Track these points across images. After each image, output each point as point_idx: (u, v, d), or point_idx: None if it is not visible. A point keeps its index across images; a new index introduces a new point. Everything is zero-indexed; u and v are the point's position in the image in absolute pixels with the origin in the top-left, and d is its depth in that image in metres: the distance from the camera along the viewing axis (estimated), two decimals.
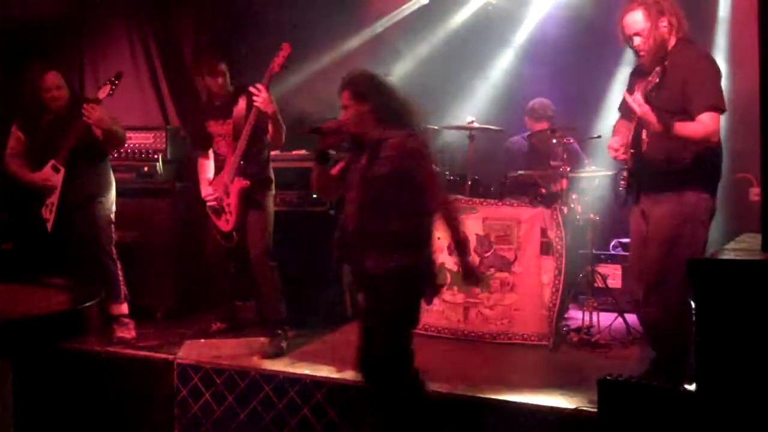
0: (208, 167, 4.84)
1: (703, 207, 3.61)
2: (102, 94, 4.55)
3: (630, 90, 3.87)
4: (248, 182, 4.57)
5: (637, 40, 3.67)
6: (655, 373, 3.56)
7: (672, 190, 3.60)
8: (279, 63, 4.44)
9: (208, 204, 4.72)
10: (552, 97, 5.83)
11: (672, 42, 3.66)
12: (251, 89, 4.42)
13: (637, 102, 3.46)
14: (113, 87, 4.56)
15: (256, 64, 5.20)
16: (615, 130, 3.98)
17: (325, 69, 5.88)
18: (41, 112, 4.68)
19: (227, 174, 4.61)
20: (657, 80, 3.48)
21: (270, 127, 4.51)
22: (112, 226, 4.76)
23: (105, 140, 4.63)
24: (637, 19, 3.65)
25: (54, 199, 4.58)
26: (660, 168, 3.63)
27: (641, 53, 3.70)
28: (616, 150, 3.78)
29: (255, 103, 4.42)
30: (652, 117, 3.45)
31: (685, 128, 3.48)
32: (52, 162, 4.57)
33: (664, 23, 3.63)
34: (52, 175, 4.57)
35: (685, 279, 3.40)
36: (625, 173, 3.82)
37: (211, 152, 4.85)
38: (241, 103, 4.64)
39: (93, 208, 4.66)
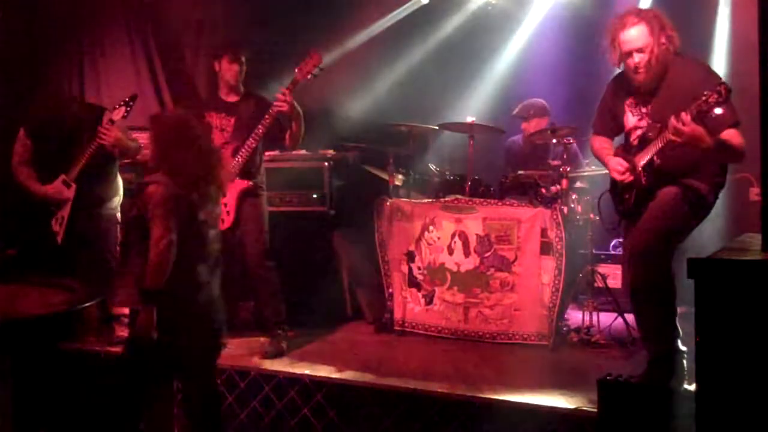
0: None
1: (706, 204, 3.60)
2: (117, 116, 4.53)
3: (619, 103, 3.78)
4: (252, 183, 4.56)
5: (637, 57, 3.51)
6: (654, 372, 3.55)
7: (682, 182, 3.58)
8: (307, 71, 4.40)
9: None
10: (551, 96, 5.82)
11: (669, 57, 3.53)
12: (278, 95, 4.41)
13: (688, 123, 3.25)
14: (128, 109, 4.55)
15: (259, 63, 5.20)
16: (598, 149, 3.89)
17: (325, 69, 5.88)
18: (51, 123, 4.70)
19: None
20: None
21: (294, 126, 4.54)
22: (118, 225, 4.81)
23: (120, 155, 4.73)
24: (638, 34, 3.49)
25: (65, 213, 4.61)
26: (672, 183, 3.56)
27: (639, 70, 3.54)
28: (622, 173, 3.64)
29: (280, 109, 4.40)
30: (706, 137, 3.30)
31: (734, 139, 3.39)
32: (62, 177, 4.61)
33: (663, 39, 3.50)
34: (63, 189, 4.61)
35: (669, 249, 3.50)
36: (625, 195, 3.72)
37: None
38: (251, 104, 4.65)
39: (100, 209, 4.74)
